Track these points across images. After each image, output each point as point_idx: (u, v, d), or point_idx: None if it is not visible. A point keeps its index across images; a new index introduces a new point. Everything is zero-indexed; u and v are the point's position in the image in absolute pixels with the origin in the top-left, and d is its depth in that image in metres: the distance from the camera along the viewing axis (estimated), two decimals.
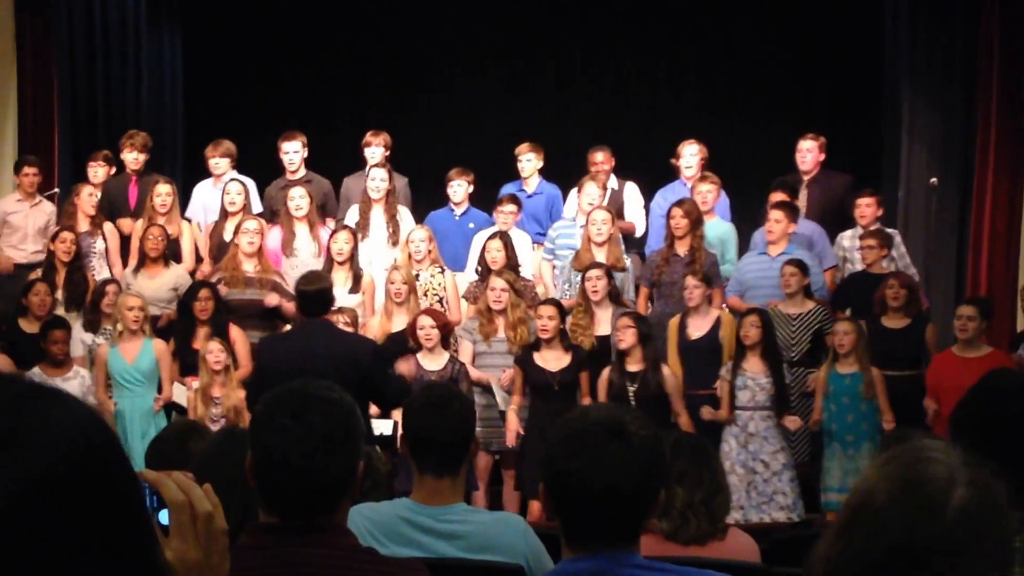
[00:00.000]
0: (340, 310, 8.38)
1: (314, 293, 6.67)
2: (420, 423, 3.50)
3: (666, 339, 8.35)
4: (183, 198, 9.82)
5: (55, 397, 1.12)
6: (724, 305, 8.76)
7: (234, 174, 9.74)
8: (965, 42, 10.32)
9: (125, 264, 9.31)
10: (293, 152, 9.70)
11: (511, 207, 9.28)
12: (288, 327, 8.39)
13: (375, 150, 9.74)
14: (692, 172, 9.59)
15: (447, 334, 8.15)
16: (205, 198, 9.87)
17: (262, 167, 10.03)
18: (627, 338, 7.83)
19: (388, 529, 3.38)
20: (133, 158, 9.80)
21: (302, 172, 9.77)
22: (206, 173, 9.97)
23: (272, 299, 8.73)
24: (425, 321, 7.99)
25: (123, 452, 1.15)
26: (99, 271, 9.31)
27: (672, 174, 9.90)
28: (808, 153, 9.64)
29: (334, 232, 9.05)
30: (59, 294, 8.94)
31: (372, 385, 6.34)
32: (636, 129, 11.63)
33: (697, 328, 8.29)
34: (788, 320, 8.38)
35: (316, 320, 6.69)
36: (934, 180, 10.01)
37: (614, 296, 8.44)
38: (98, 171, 9.82)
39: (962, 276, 10.16)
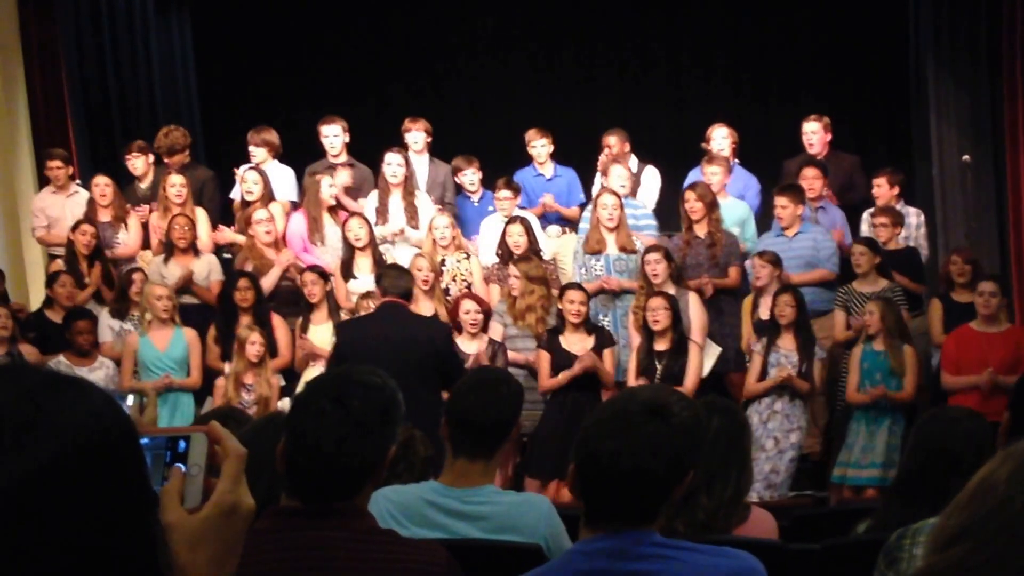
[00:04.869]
0: (368, 294, 8.44)
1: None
2: (465, 404, 3.51)
3: (740, 319, 8.55)
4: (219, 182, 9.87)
5: (74, 386, 1.15)
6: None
7: (275, 164, 9.74)
8: (988, 17, 10.26)
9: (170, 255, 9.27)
10: (333, 136, 9.62)
11: (508, 192, 9.28)
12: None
13: (416, 135, 9.67)
14: (724, 155, 9.57)
15: (488, 317, 8.23)
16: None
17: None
18: (662, 319, 7.89)
19: (411, 511, 3.40)
20: (172, 160, 9.75)
21: (344, 157, 9.71)
22: (243, 158, 9.93)
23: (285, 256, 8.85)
24: (470, 305, 8.12)
25: (137, 440, 1.18)
26: (124, 263, 9.32)
27: (701, 157, 9.88)
28: (814, 135, 9.63)
29: (346, 220, 9.05)
30: (87, 281, 8.99)
31: (443, 366, 6.54)
32: (659, 112, 11.61)
33: (767, 306, 8.31)
34: (863, 299, 8.39)
35: (393, 303, 6.95)
36: (967, 157, 10.00)
37: (676, 276, 8.41)
38: (136, 163, 9.75)
39: (1006, 251, 10.13)
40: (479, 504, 3.43)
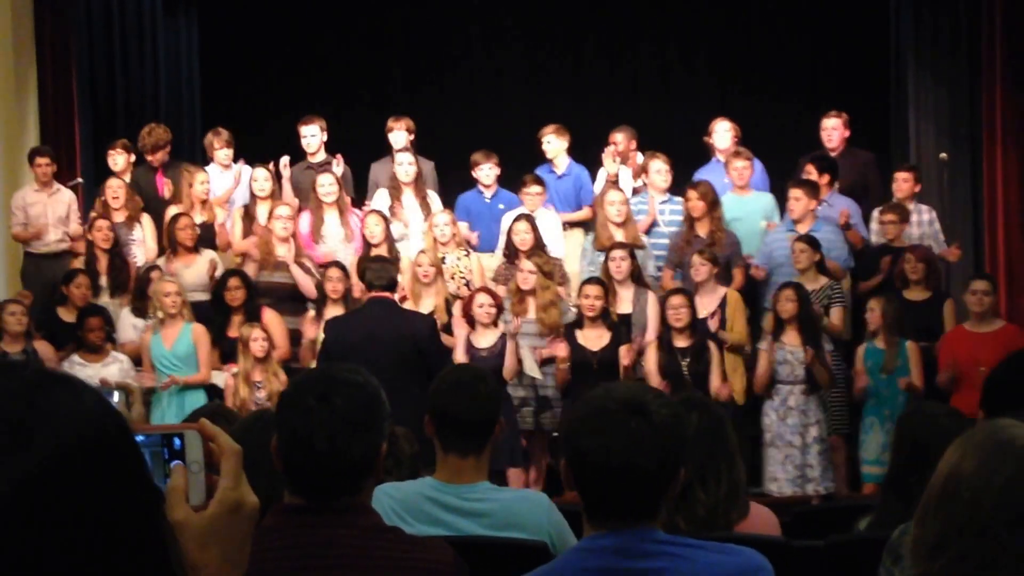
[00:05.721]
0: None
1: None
2: (447, 402, 3.53)
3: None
4: None
5: (66, 384, 1.14)
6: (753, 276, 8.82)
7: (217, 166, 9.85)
8: (967, 15, 10.31)
9: (163, 253, 9.32)
10: (311, 136, 9.71)
11: (537, 188, 9.29)
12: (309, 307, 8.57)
13: (398, 135, 9.73)
14: (726, 149, 9.58)
15: (501, 312, 8.26)
16: (213, 184, 9.80)
17: (281, 152, 10.02)
18: (684, 316, 7.93)
19: (413, 508, 3.42)
20: (155, 156, 9.85)
21: (321, 156, 9.78)
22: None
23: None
24: (484, 299, 8.13)
25: (132, 438, 1.17)
26: (140, 259, 9.37)
27: (701, 152, 9.88)
28: (834, 131, 9.65)
29: (364, 217, 9.09)
30: (103, 280, 9.04)
31: (426, 361, 6.54)
32: (655, 109, 11.62)
33: (703, 306, 8.32)
34: None
35: (379, 299, 7.00)
36: (944, 155, 10.03)
37: (636, 276, 8.49)
38: (117, 159, 9.84)
39: (980, 250, 10.14)
40: (478, 501, 3.46)
